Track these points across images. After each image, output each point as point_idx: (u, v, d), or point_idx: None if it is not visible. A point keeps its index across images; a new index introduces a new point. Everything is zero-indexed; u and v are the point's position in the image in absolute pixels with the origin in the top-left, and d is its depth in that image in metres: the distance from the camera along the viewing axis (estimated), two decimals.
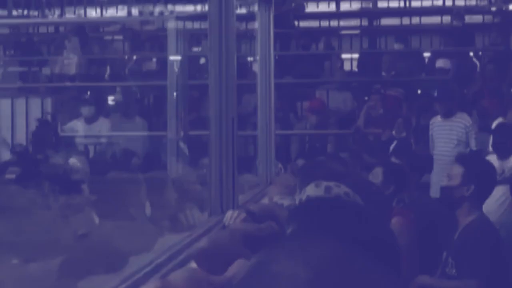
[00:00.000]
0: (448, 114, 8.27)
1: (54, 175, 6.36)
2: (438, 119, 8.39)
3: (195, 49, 12.17)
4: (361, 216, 1.70)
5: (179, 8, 12.62)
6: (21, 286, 2.77)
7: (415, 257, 4.46)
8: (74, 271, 2.90)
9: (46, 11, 13.61)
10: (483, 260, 3.94)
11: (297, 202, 2.51)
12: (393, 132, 9.01)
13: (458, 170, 4.15)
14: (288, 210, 2.37)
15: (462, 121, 8.24)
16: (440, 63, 10.87)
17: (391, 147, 8.58)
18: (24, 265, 3.00)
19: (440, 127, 8.32)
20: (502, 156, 6.91)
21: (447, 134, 8.23)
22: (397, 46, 11.92)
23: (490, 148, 7.32)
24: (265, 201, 4.56)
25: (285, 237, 1.75)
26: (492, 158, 6.73)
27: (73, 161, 6.51)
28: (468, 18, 12.31)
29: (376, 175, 5.04)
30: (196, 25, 12.16)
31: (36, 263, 2.94)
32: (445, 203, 4.34)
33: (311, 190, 2.46)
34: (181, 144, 8.58)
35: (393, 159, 6.03)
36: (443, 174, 4.69)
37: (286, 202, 2.45)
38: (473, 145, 8.09)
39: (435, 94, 9.21)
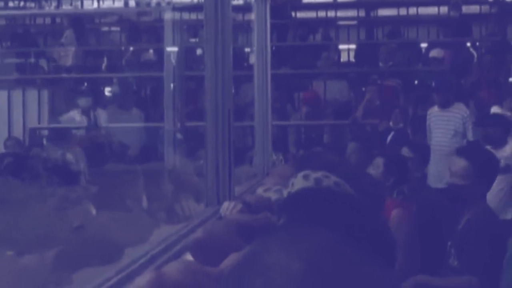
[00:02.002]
0: (445, 105, 8.26)
1: (52, 167, 6.35)
2: (435, 109, 8.38)
3: (193, 40, 12.16)
4: (352, 206, 1.69)
5: None
6: (15, 278, 2.77)
7: (417, 249, 4.44)
8: (69, 263, 2.90)
9: (43, 2, 13.59)
10: (485, 251, 3.91)
11: (285, 195, 2.49)
12: (390, 123, 9.01)
13: (461, 164, 4.10)
14: (277, 203, 2.35)
15: (460, 111, 8.23)
16: (433, 53, 10.86)
17: (389, 138, 8.58)
18: (18, 257, 3.00)
19: (438, 117, 8.31)
20: (495, 146, 6.93)
21: (445, 124, 8.22)
22: (394, 37, 11.92)
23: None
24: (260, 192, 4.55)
25: (277, 228, 1.74)
26: None
27: (69, 156, 6.50)
28: (465, 9, 12.30)
29: (377, 166, 5.00)
30: (194, 16, 12.15)
31: (31, 255, 2.94)
32: (452, 200, 4.29)
33: (300, 183, 2.44)
34: (178, 136, 8.57)
35: (406, 151, 5.85)
36: (445, 167, 4.64)
37: (273, 195, 2.42)
38: (470, 135, 8.08)
39: (432, 84, 9.20)
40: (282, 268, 0.98)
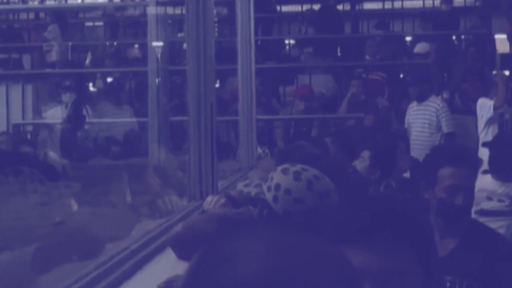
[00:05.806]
0: (421, 99, 8.30)
1: (36, 163, 6.32)
2: (414, 104, 8.43)
3: (179, 35, 12.11)
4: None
5: None
6: None
7: None
8: (48, 258, 2.88)
9: None
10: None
11: (265, 189, 2.46)
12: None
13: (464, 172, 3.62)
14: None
15: (433, 104, 8.26)
16: (418, 48, 10.88)
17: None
18: None
19: (415, 112, 8.37)
20: (503, 177, 5.36)
21: (421, 119, 8.27)
22: (379, 31, 11.92)
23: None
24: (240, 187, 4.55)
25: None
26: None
27: (53, 154, 6.48)
28: None
29: (363, 159, 4.95)
30: (178, 10, 12.10)
31: (10, 251, 2.92)
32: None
33: (279, 177, 2.42)
34: (163, 130, 8.53)
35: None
36: None
37: (253, 190, 2.40)
38: (445, 128, 8.13)
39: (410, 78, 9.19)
40: (240, 257, 0.99)
